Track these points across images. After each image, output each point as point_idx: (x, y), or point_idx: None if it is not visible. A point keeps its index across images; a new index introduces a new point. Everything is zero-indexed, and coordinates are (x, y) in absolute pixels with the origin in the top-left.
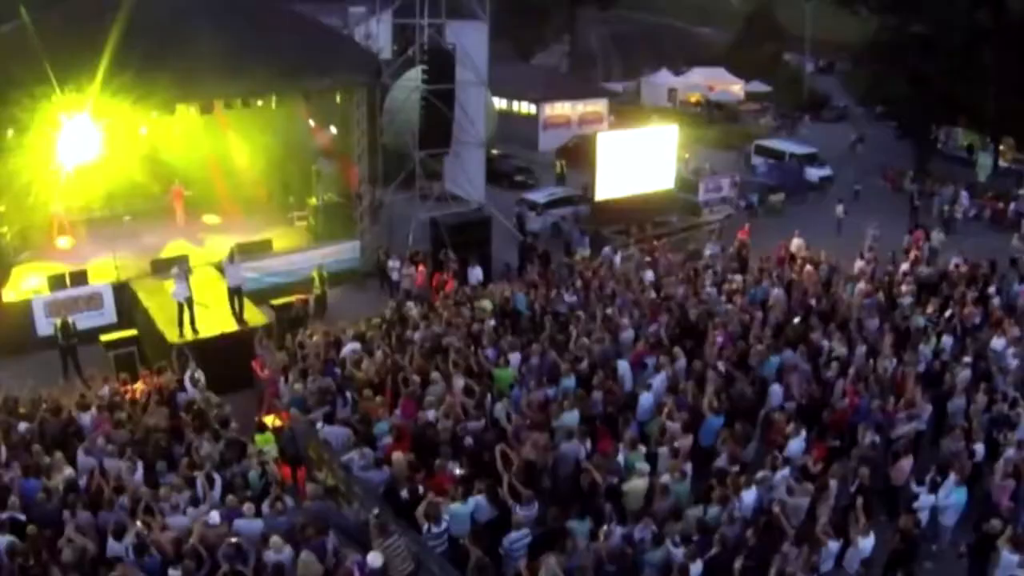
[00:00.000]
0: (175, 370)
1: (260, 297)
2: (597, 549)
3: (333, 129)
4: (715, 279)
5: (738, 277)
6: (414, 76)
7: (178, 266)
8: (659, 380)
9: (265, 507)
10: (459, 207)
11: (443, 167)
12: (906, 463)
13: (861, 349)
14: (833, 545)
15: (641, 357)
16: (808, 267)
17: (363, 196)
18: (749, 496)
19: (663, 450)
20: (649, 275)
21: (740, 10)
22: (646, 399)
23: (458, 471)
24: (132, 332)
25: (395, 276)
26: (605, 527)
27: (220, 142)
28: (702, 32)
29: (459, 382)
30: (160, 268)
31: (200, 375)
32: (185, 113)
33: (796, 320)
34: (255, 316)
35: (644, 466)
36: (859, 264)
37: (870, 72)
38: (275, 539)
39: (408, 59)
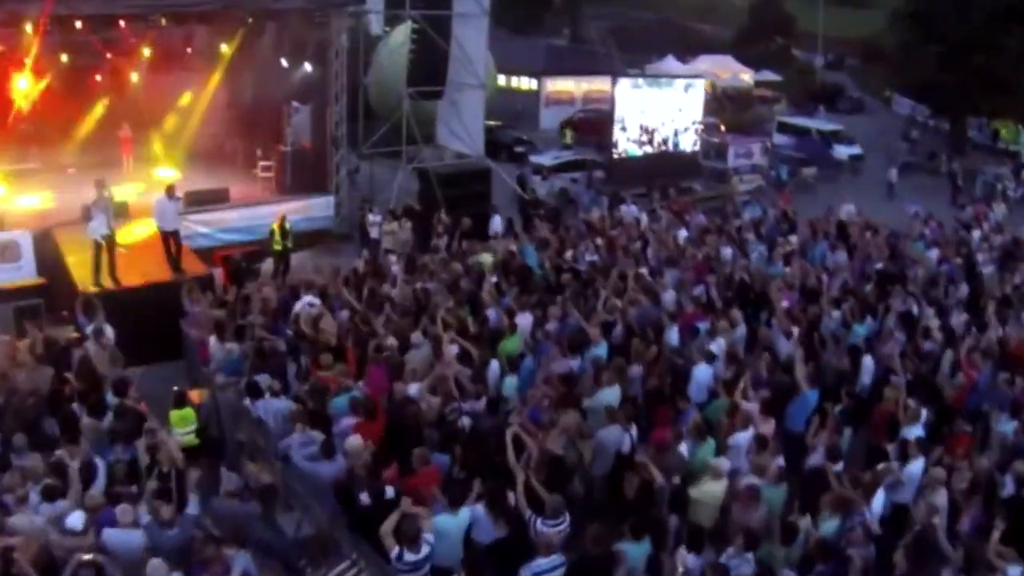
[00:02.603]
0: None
1: (210, 257)
2: None
3: (308, 67)
4: (762, 241)
5: (792, 238)
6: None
7: (96, 193)
8: (719, 348)
9: (145, 514)
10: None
11: (436, 125)
12: None
13: (961, 317)
14: (1014, 573)
15: (692, 321)
16: (867, 233)
17: (340, 142)
18: (876, 501)
19: (741, 436)
20: (683, 233)
21: (743, 6)
22: (703, 372)
23: None
24: (39, 280)
25: (375, 233)
26: (676, 552)
27: (178, 88)
28: (704, 28)
29: (452, 348)
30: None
31: (108, 330)
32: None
33: (868, 287)
34: (195, 266)
35: (722, 462)
36: (923, 231)
37: (897, 46)
38: (154, 562)
39: None
